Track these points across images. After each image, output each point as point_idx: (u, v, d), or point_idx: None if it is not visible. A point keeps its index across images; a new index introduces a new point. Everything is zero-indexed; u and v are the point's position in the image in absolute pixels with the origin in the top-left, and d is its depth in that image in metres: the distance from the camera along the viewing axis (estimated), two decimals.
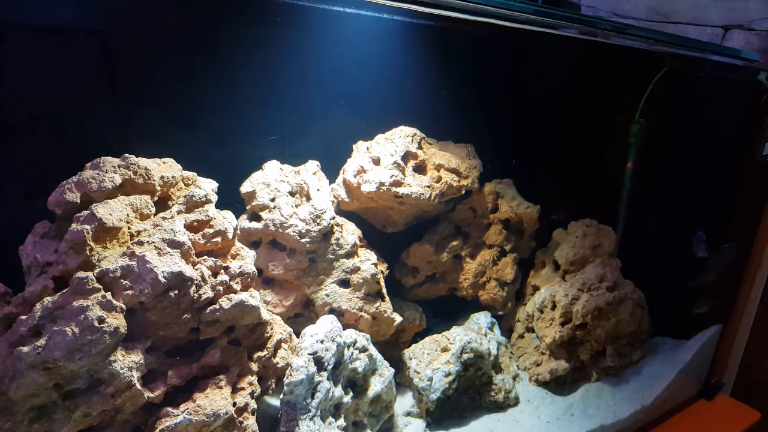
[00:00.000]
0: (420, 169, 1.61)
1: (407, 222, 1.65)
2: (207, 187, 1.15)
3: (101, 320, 0.88)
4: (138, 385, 0.93)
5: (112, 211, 0.98)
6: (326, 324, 1.21)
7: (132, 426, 0.98)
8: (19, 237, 1.01)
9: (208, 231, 1.08)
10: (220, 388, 1.03)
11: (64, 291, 0.90)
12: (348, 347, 1.25)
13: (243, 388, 1.08)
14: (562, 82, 2.01)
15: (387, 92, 1.64)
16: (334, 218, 1.42)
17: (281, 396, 1.09)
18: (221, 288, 1.06)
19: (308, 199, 1.44)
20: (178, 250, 1.00)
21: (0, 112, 1.16)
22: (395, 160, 1.53)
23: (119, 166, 1.04)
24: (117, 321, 0.90)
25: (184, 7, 1.32)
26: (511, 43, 1.79)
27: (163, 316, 0.98)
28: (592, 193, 2.10)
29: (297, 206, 1.40)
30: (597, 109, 2.04)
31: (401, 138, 1.59)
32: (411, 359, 1.51)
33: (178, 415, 0.96)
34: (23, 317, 0.88)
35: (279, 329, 1.23)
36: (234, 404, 1.04)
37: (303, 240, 1.36)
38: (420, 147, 1.64)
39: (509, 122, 1.90)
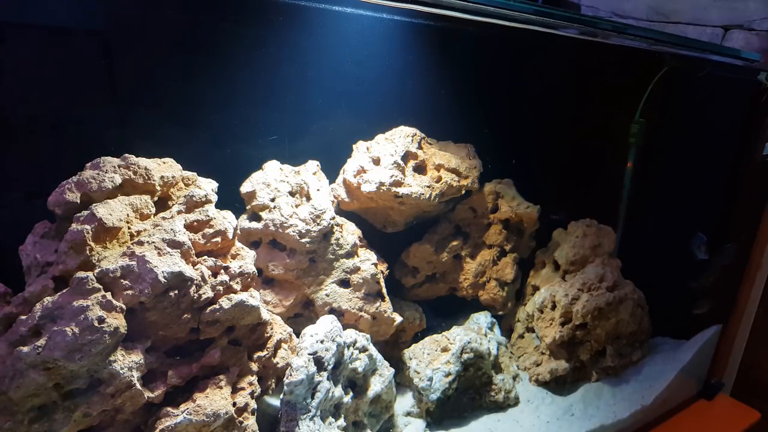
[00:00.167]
0: (420, 169, 1.61)
1: (407, 222, 1.65)
2: (207, 187, 1.15)
3: (101, 320, 0.88)
4: (138, 385, 0.93)
5: (112, 211, 0.98)
6: (326, 324, 1.21)
7: (132, 426, 0.98)
8: (19, 237, 1.01)
9: (208, 231, 1.08)
10: (220, 388, 1.03)
11: (64, 291, 0.90)
12: (348, 347, 1.25)
13: (243, 388, 1.08)
14: (562, 82, 2.01)
15: (387, 92, 1.64)
16: (334, 218, 1.42)
17: (281, 396, 1.09)
18: (221, 288, 1.06)
19: (308, 199, 1.44)
20: (178, 250, 1.00)
21: (0, 112, 1.16)
22: (395, 160, 1.53)
23: (119, 166, 1.04)
24: (117, 321, 0.90)
25: (184, 7, 1.32)
26: (511, 43, 1.79)
27: (163, 316, 0.98)
28: (592, 193, 2.10)
29: (297, 206, 1.40)
30: (597, 109, 2.04)
31: (401, 138, 1.59)
32: (411, 359, 1.51)
33: (178, 415, 0.96)
34: (23, 317, 0.88)
35: (279, 329, 1.23)
36: (234, 404, 1.04)
37: (303, 240, 1.36)
38: (420, 147, 1.64)
39: (509, 122, 1.90)
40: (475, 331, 1.59)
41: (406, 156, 1.58)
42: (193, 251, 1.04)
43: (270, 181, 1.41)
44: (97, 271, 0.92)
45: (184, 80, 1.36)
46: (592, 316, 1.64)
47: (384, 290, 1.48)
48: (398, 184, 1.50)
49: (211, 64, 1.39)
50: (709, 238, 2.07)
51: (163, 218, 1.05)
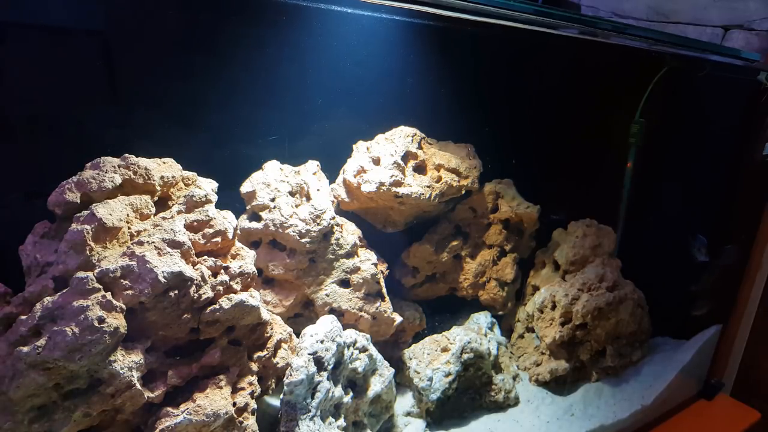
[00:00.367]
0: (420, 169, 1.61)
1: (407, 222, 1.65)
2: (207, 187, 1.15)
3: (101, 320, 0.87)
4: (138, 385, 0.93)
5: (112, 211, 0.98)
6: (326, 324, 1.21)
7: (132, 426, 0.98)
8: (19, 237, 1.01)
9: (208, 231, 1.08)
10: (220, 388, 1.03)
11: (64, 291, 0.90)
12: (348, 347, 1.25)
13: (243, 388, 1.08)
14: (562, 82, 2.01)
15: (387, 92, 1.64)
16: (334, 218, 1.42)
17: (281, 396, 1.09)
18: (221, 288, 1.06)
19: (308, 199, 1.44)
20: (178, 250, 1.00)
21: (0, 112, 1.16)
22: (395, 160, 1.53)
23: (119, 166, 1.04)
24: (117, 321, 0.90)
25: (185, 7, 1.32)
26: (511, 43, 1.79)
27: (163, 316, 0.98)
28: (592, 193, 2.10)
29: (297, 206, 1.40)
30: (597, 109, 2.04)
31: (401, 138, 1.59)
32: (411, 359, 1.51)
33: (178, 415, 0.96)
34: (23, 317, 0.88)
35: (279, 329, 1.23)
36: (234, 404, 1.04)
37: (303, 240, 1.36)
38: (420, 147, 1.64)
39: (509, 122, 1.90)
40: (475, 331, 1.59)
41: (406, 156, 1.58)
42: (193, 251, 1.04)
43: (270, 181, 1.41)
44: (97, 271, 0.92)
45: (184, 80, 1.36)
46: (592, 316, 1.64)
47: (384, 290, 1.48)
48: (398, 184, 1.50)
49: (211, 64, 1.39)
50: (709, 238, 2.07)
51: (163, 218, 1.05)
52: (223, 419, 1.00)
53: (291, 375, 1.08)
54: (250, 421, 1.07)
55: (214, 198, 1.14)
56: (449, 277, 1.77)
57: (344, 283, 1.44)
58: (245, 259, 1.14)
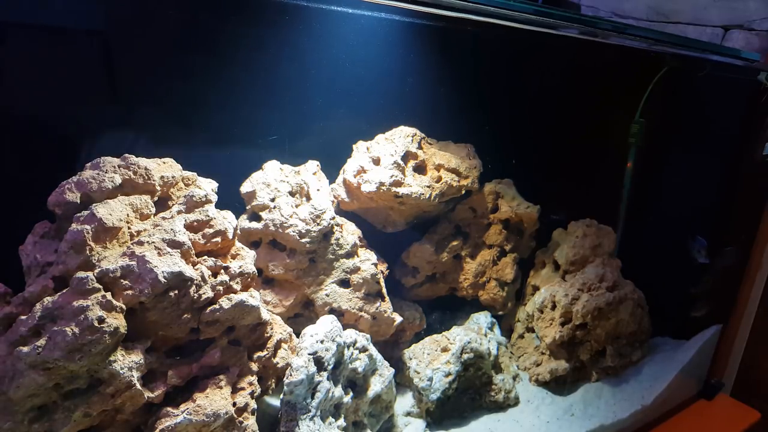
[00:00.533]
0: (420, 169, 1.61)
1: (407, 222, 1.65)
2: (207, 187, 1.15)
3: (101, 320, 0.88)
4: (138, 385, 0.94)
5: (112, 211, 0.98)
6: (326, 324, 1.21)
7: (132, 426, 0.98)
8: (19, 237, 1.01)
9: (208, 231, 1.08)
10: (220, 388, 1.03)
11: (64, 291, 0.90)
12: (348, 347, 1.25)
13: (243, 388, 1.08)
14: (562, 82, 2.01)
15: (387, 92, 1.65)
16: (334, 218, 1.42)
17: (281, 396, 1.09)
18: (221, 288, 1.06)
19: (308, 199, 1.44)
20: (178, 250, 1.00)
21: (0, 112, 1.16)
22: (395, 160, 1.53)
23: (119, 166, 1.04)
24: (117, 321, 0.90)
25: (185, 7, 1.32)
26: (511, 43, 1.79)
27: (163, 316, 0.98)
28: (592, 193, 2.10)
29: (297, 206, 1.40)
30: (597, 109, 2.04)
31: (401, 138, 1.59)
32: (411, 359, 1.51)
33: (178, 415, 0.96)
34: (23, 317, 0.88)
35: (279, 329, 1.23)
36: (234, 404, 1.04)
37: (303, 240, 1.36)
38: (420, 147, 1.64)
39: (509, 122, 1.90)
40: (475, 331, 1.59)
41: (406, 156, 1.58)
42: (193, 251, 1.04)
43: (270, 181, 1.41)
44: (97, 271, 0.92)
45: (184, 80, 1.36)
46: (592, 316, 1.64)
47: (384, 290, 1.48)
48: (398, 184, 1.50)
49: (211, 64, 1.39)
50: (708, 238, 2.07)
51: (163, 218, 1.05)
52: (223, 419, 1.00)
53: (291, 375, 1.08)
54: (250, 421, 1.07)
55: (214, 198, 1.14)
56: (449, 277, 1.77)
57: (344, 283, 1.44)
58: (245, 259, 1.14)
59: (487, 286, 1.77)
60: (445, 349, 1.51)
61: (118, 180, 1.02)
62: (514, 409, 1.58)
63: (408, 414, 1.46)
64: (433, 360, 1.49)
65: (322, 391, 1.12)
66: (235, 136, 1.47)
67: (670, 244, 2.11)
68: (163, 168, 1.11)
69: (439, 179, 1.60)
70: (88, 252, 0.93)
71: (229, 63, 1.41)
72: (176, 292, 0.98)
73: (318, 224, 1.38)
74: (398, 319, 1.49)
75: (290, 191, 1.41)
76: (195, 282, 1.00)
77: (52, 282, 0.93)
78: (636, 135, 2.01)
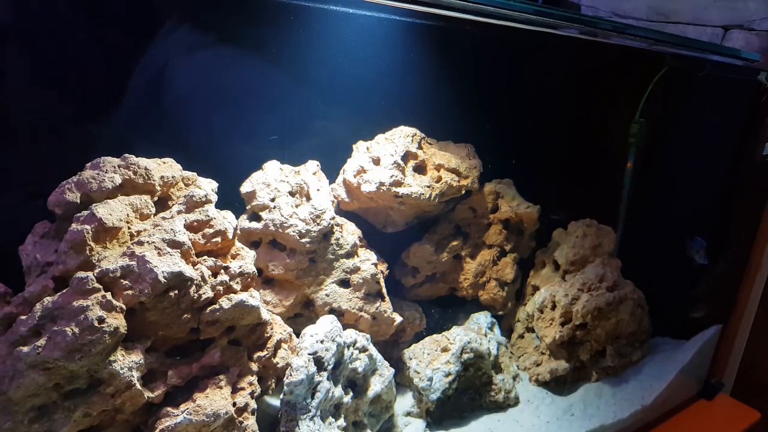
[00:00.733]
0: (420, 169, 1.61)
1: (407, 222, 1.65)
2: (207, 187, 1.15)
3: (101, 320, 0.88)
4: (138, 385, 0.93)
5: (112, 211, 0.98)
6: (326, 324, 1.21)
7: (132, 426, 0.98)
8: (19, 237, 1.01)
9: (208, 231, 1.08)
10: (220, 388, 1.03)
11: (64, 291, 0.90)
12: (348, 347, 1.25)
13: (243, 388, 1.08)
14: (562, 82, 2.01)
15: (387, 92, 1.64)
16: (334, 218, 1.42)
17: (281, 396, 1.09)
18: (221, 288, 1.06)
19: (308, 199, 1.44)
20: (178, 250, 1.00)
21: (0, 112, 1.16)
22: (395, 160, 1.53)
23: (119, 166, 1.04)
24: (117, 321, 0.90)
25: (185, 7, 1.32)
26: (512, 43, 1.79)
27: (163, 316, 0.98)
28: (592, 193, 2.10)
29: (297, 206, 1.40)
30: (597, 109, 2.04)
31: (401, 138, 1.59)
32: (411, 359, 1.51)
33: (178, 415, 0.96)
34: (23, 317, 0.88)
35: (279, 329, 1.23)
36: (234, 404, 1.04)
37: (303, 240, 1.36)
38: (420, 147, 1.64)
39: (509, 122, 1.90)
40: (475, 331, 1.59)
41: (406, 156, 1.58)
42: (193, 251, 1.04)
43: (270, 181, 1.41)
44: (97, 271, 0.92)
45: (184, 80, 1.36)
46: (592, 316, 1.64)
47: (384, 290, 1.48)
48: (398, 184, 1.50)
49: (210, 64, 1.39)
50: (708, 238, 2.07)
51: (163, 218, 1.05)
52: (223, 419, 1.00)
53: (291, 375, 1.08)
54: (250, 421, 1.07)
55: (214, 198, 1.14)
56: (449, 277, 1.77)
57: (344, 283, 1.44)
58: (245, 259, 1.14)
59: (487, 286, 1.77)
60: (445, 349, 1.51)
61: (118, 180, 1.02)
62: (514, 409, 1.58)
63: (408, 414, 1.46)
64: (433, 360, 1.49)
65: (322, 391, 1.12)
66: (235, 136, 1.47)
67: (670, 243, 2.11)
68: (163, 168, 1.11)
69: (439, 179, 1.60)
70: (88, 252, 0.93)
71: (229, 63, 1.41)
72: (176, 292, 0.98)
73: (318, 224, 1.38)
74: (398, 319, 1.49)
75: (290, 191, 1.41)
76: (195, 282, 1.00)
77: (52, 282, 0.93)
78: (636, 135, 2.01)
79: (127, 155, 1.07)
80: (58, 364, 0.85)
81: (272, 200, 1.38)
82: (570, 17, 1.40)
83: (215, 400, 1.00)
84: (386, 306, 1.46)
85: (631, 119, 2.01)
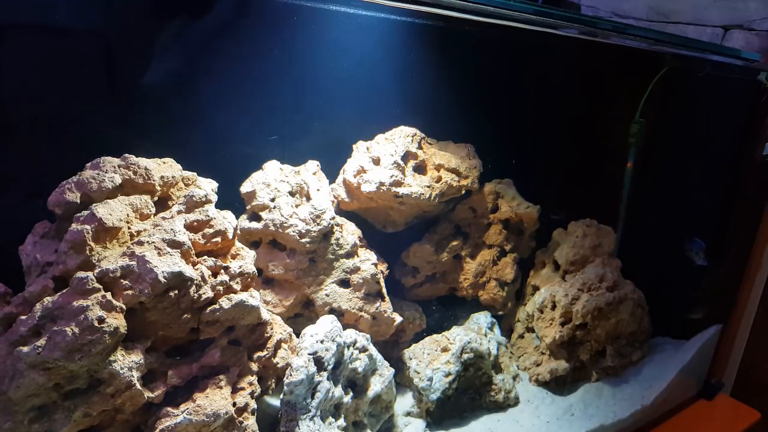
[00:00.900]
0: (420, 169, 1.61)
1: (407, 222, 1.65)
2: (207, 187, 1.15)
3: (101, 320, 0.88)
4: (138, 385, 0.94)
5: (112, 211, 0.98)
6: (326, 324, 1.21)
7: (132, 426, 0.98)
8: (19, 237, 1.01)
9: (208, 231, 1.08)
10: (220, 388, 1.03)
11: (64, 291, 0.90)
12: (348, 347, 1.25)
13: (243, 388, 1.08)
14: (562, 82, 2.01)
15: (387, 92, 1.64)
16: (334, 218, 1.42)
17: (281, 396, 1.09)
18: (221, 288, 1.06)
19: (308, 199, 1.44)
20: (178, 250, 1.00)
21: (0, 112, 1.16)
22: (395, 160, 1.53)
23: (119, 166, 1.04)
24: (117, 321, 0.90)
25: (185, 7, 1.32)
26: (512, 43, 1.79)
27: (163, 316, 0.98)
28: (592, 193, 2.10)
29: (297, 206, 1.40)
30: (597, 109, 2.04)
31: (401, 138, 1.60)
32: (411, 359, 1.51)
33: (178, 415, 0.96)
34: (23, 317, 0.88)
35: (279, 329, 1.23)
36: (234, 404, 1.04)
37: (303, 240, 1.36)
38: (420, 147, 1.64)
39: (509, 122, 1.90)
40: (475, 331, 1.59)
41: (406, 156, 1.58)
42: (193, 251, 1.04)
43: (270, 181, 1.41)
44: (97, 271, 0.92)
45: (184, 80, 1.36)
46: (592, 316, 1.64)
47: (384, 290, 1.48)
48: (398, 184, 1.50)
49: (211, 64, 1.39)
50: (708, 238, 2.07)
51: (163, 218, 1.05)
52: (223, 419, 1.00)
53: (291, 375, 1.08)
54: (250, 421, 1.07)
55: (214, 198, 1.14)
56: (449, 277, 1.77)
57: (344, 283, 1.44)
58: (245, 259, 1.14)
59: (487, 286, 1.77)
60: (445, 349, 1.51)
61: (118, 180, 1.02)
62: (514, 409, 1.58)
63: (408, 414, 1.46)
64: (433, 360, 1.49)
65: (322, 391, 1.12)
66: (236, 136, 1.47)
67: (669, 243, 2.11)
68: (163, 168, 1.11)
69: (439, 179, 1.60)
70: (88, 252, 0.93)
71: (229, 62, 1.41)
72: (176, 292, 0.98)
73: (318, 224, 1.38)
74: (398, 319, 1.49)
75: (290, 191, 1.41)
76: (195, 282, 1.00)
77: (52, 282, 0.93)
78: (636, 135, 2.01)
79: (127, 155, 1.07)
80: (58, 364, 0.85)
81: (272, 200, 1.38)
82: (570, 17, 1.40)
83: (215, 400, 1.00)
84: (386, 306, 1.46)
85: (631, 119, 2.01)
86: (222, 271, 1.08)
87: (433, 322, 1.76)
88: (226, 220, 1.12)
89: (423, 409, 1.46)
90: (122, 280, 0.93)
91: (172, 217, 1.05)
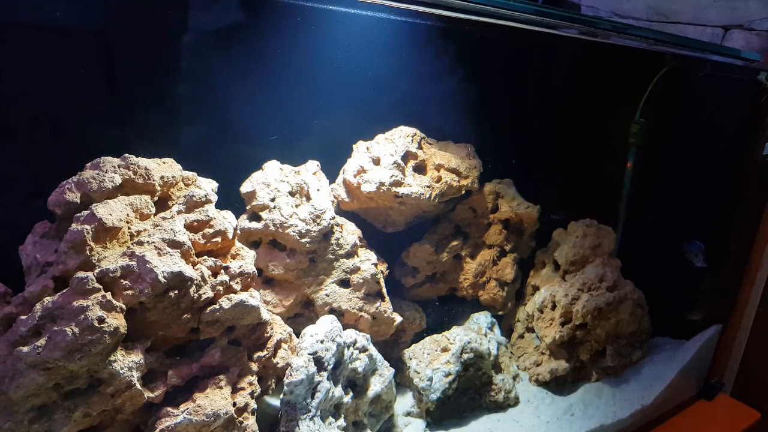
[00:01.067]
0: (420, 169, 1.61)
1: (407, 222, 1.65)
2: (207, 187, 1.15)
3: (101, 320, 0.88)
4: (138, 385, 0.94)
5: (112, 211, 0.98)
6: (326, 324, 1.21)
7: (132, 426, 0.98)
8: (19, 237, 1.01)
9: (208, 231, 1.08)
10: (220, 388, 1.03)
11: (64, 291, 0.90)
12: (348, 347, 1.25)
13: (243, 388, 1.08)
14: (562, 83, 2.01)
15: (387, 92, 1.64)
16: (334, 218, 1.42)
17: (281, 396, 1.09)
18: (221, 288, 1.06)
19: (308, 199, 1.44)
20: (178, 250, 1.00)
21: (0, 112, 1.16)
22: (395, 160, 1.53)
23: (119, 166, 1.04)
24: (117, 321, 0.90)
25: (185, 6, 1.32)
26: (512, 43, 1.79)
27: (163, 316, 0.98)
28: (592, 193, 2.10)
29: (297, 206, 1.40)
30: (597, 109, 2.04)
31: (401, 138, 1.59)
32: (411, 359, 1.51)
33: (178, 415, 0.96)
34: (23, 317, 0.88)
35: (279, 329, 1.23)
36: (234, 404, 1.04)
37: (303, 240, 1.36)
38: (420, 147, 1.64)
39: (509, 122, 1.90)
40: (475, 331, 1.59)
41: (406, 156, 1.58)
42: (193, 251, 1.04)
43: (270, 181, 1.41)
44: (97, 271, 0.92)
45: (184, 80, 1.36)
46: (592, 316, 1.64)
47: (384, 290, 1.48)
48: (398, 184, 1.50)
49: (211, 64, 1.39)
50: (708, 238, 2.07)
51: (163, 218, 1.05)
52: (223, 419, 1.00)
53: (291, 375, 1.08)
54: (250, 421, 1.07)
55: (214, 198, 1.14)
56: (449, 277, 1.77)
57: (344, 283, 1.44)
58: (245, 259, 1.14)
59: (487, 286, 1.77)
60: (445, 349, 1.51)
61: (118, 180, 1.02)
62: (514, 409, 1.58)
63: (408, 414, 1.46)
64: (433, 360, 1.49)
65: (322, 391, 1.12)
66: (236, 135, 1.47)
67: (669, 243, 2.11)
68: (163, 168, 1.11)
69: (439, 179, 1.60)
70: (88, 252, 0.93)
71: (229, 63, 1.41)
72: (176, 292, 0.98)
73: (318, 224, 1.38)
74: (398, 319, 1.49)
75: (290, 191, 1.41)
76: (195, 282, 1.00)
77: (52, 282, 0.93)
78: (636, 135, 2.01)
79: (127, 155, 1.07)
80: (58, 364, 0.85)
81: (272, 200, 1.38)
82: (570, 17, 1.40)
83: (215, 400, 1.00)
84: (386, 306, 1.46)
85: (631, 119, 2.01)
86: (222, 271, 1.08)
87: (433, 322, 1.76)
88: (226, 220, 1.12)
89: (423, 409, 1.46)
90: (122, 280, 0.93)
91: (172, 217, 1.05)
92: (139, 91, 1.32)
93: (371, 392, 1.30)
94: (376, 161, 1.54)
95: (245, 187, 1.41)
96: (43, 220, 1.03)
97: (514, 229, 1.82)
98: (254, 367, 1.13)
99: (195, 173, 1.17)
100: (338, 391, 1.20)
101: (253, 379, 1.12)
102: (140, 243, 0.97)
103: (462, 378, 1.50)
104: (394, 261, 1.70)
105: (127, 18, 1.27)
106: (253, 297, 1.10)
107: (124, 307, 0.92)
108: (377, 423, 1.34)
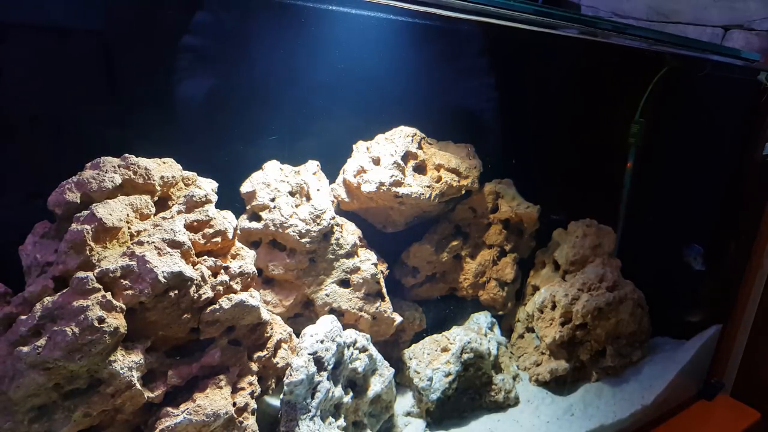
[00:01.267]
0: (420, 169, 1.61)
1: (407, 222, 1.65)
2: (207, 187, 1.15)
3: (101, 320, 0.88)
4: (138, 385, 0.94)
5: (112, 211, 0.98)
6: (326, 324, 1.21)
7: (132, 426, 0.98)
8: (19, 237, 1.01)
9: (208, 231, 1.08)
10: (220, 388, 1.03)
11: (64, 291, 0.90)
12: (348, 347, 1.25)
13: (243, 388, 1.08)
14: (562, 82, 2.01)
15: (387, 92, 1.64)
16: (334, 218, 1.42)
17: (281, 396, 1.09)
18: (221, 288, 1.06)
19: (308, 199, 1.44)
20: (178, 250, 1.00)
21: (0, 112, 1.16)
22: (395, 160, 1.53)
23: (119, 166, 1.04)
24: (117, 321, 0.90)
25: (184, 6, 1.32)
26: (511, 43, 1.79)
27: (163, 316, 0.98)
28: (592, 193, 2.10)
29: (297, 206, 1.40)
30: (597, 109, 2.04)
31: (401, 138, 1.59)
32: (411, 359, 1.51)
33: (178, 415, 0.96)
34: (23, 317, 0.88)
35: (279, 329, 1.23)
36: (234, 404, 1.04)
37: (303, 240, 1.36)
38: (420, 147, 1.64)
39: (509, 122, 1.90)
40: (475, 331, 1.59)
41: (406, 156, 1.58)
42: (193, 251, 1.04)
43: (270, 181, 1.41)
44: (97, 271, 0.92)
45: (184, 80, 1.36)
46: (592, 316, 1.64)
47: (384, 290, 1.48)
48: (398, 184, 1.50)
49: (211, 64, 1.39)
50: (708, 238, 2.07)
51: (163, 218, 1.05)
52: (223, 419, 1.00)
53: (291, 375, 1.08)
54: (250, 421, 1.07)
55: (214, 198, 1.14)
56: (449, 277, 1.77)
57: (344, 283, 1.44)
58: (245, 259, 1.14)
59: (487, 286, 1.77)
60: (445, 349, 1.51)
61: (118, 180, 1.02)
62: (514, 409, 1.58)
63: (408, 414, 1.46)
64: (433, 360, 1.49)
65: (322, 391, 1.12)
66: (236, 136, 1.47)
67: (669, 243, 2.11)
68: (163, 168, 1.11)
69: (439, 179, 1.60)
70: (88, 252, 0.93)
71: (229, 63, 1.41)
72: (176, 292, 0.98)
73: (318, 224, 1.38)
74: (398, 319, 1.49)
75: (290, 191, 1.41)
76: (195, 282, 1.00)
77: (52, 282, 0.93)
78: (636, 135, 2.01)
79: (127, 155, 1.07)
80: (58, 364, 0.85)
81: (272, 200, 1.38)
82: (570, 17, 1.40)
83: (215, 400, 1.00)
84: (386, 306, 1.46)
85: (631, 119, 2.01)
86: (222, 271, 1.08)
87: (433, 322, 1.76)
88: (226, 220, 1.12)
89: (423, 409, 1.46)
90: (122, 280, 0.93)
91: (172, 217, 1.05)
92: (139, 91, 1.32)
93: (371, 392, 1.30)
94: (376, 161, 1.54)
95: (245, 187, 1.41)
96: (43, 220, 1.03)
97: (514, 229, 1.82)
98: (254, 367, 1.13)
99: (195, 173, 1.17)
100: (338, 391, 1.20)
101: (253, 379, 1.12)
102: (140, 243, 0.97)
103: (462, 378, 1.50)
104: (394, 261, 1.70)
105: (127, 18, 1.27)
106: (253, 297, 1.10)
107: (124, 307, 0.92)
108: (377, 423, 1.34)
